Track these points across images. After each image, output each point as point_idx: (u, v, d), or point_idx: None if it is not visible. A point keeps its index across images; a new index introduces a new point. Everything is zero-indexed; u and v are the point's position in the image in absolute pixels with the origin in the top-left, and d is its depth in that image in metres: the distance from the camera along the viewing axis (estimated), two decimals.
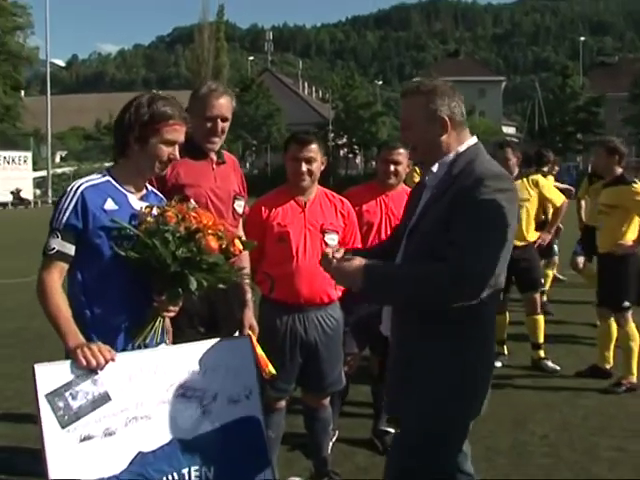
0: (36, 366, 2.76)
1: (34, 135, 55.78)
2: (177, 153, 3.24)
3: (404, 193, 4.94)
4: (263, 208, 4.41)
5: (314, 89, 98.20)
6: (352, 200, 4.79)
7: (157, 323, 3.16)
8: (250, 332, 4.05)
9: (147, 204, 3.21)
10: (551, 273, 10.90)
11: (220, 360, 3.16)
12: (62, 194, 3.13)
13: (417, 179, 7.73)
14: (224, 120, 4.11)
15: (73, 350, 2.86)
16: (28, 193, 46.15)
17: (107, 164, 3.37)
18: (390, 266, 3.00)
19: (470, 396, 2.94)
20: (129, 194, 3.22)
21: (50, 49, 51.09)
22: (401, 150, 5.07)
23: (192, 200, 3.48)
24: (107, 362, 2.85)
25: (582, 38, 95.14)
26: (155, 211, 3.13)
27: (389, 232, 4.86)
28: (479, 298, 2.70)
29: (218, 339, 3.28)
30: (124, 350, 3.06)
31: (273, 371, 3.75)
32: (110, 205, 3.10)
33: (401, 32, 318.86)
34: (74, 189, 3.09)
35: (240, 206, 4.26)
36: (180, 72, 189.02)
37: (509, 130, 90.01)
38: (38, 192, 47.96)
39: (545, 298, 10.62)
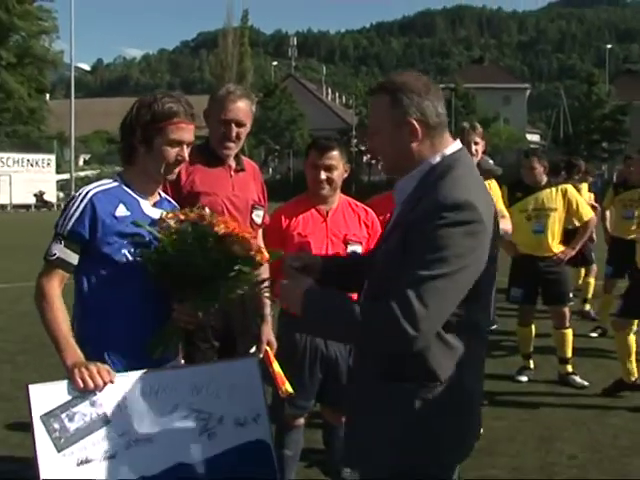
0: (30, 386, 2.59)
1: (58, 138, 56.14)
2: (185, 154, 3.03)
3: None
4: (283, 217, 4.22)
5: (337, 95, 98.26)
6: (376, 209, 4.58)
7: (176, 335, 2.97)
8: (268, 348, 3.86)
9: (168, 210, 3.05)
10: (592, 281, 10.54)
11: (227, 381, 2.95)
12: (70, 198, 2.97)
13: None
14: (240, 125, 3.90)
15: (70, 369, 2.69)
16: (51, 196, 46.51)
17: None
18: (333, 296, 2.49)
19: (435, 446, 2.45)
20: (141, 199, 3.04)
21: (75, 53, 51.34)
22: None
23: (207, 209, 3.29)
24: (106, 384, 2.67)
25: (609, 46, 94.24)
26: (181, 216, 2.93)
27: None
28: (424, 344, 2.28)
29: (224, 360, 3.11)
30: (138, 365, 2.85)
31: (290, 389, 3.57)
32: (121, 211, 2.93)
33: (425, 38, 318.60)
34: (82, 195, 2.92)
35: (259, 216, 4.06)
36: (204, 77, 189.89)
37: (533, 138, 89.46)
38: (61, 195, 48.25)
39: (588, 307, 10.34)
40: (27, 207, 44.44)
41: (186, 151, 3.03)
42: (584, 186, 10.58)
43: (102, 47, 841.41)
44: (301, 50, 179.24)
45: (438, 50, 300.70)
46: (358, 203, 4.44)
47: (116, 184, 3.01)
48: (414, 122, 2.44)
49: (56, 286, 2.86)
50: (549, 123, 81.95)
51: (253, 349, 3.90)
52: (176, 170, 3.08)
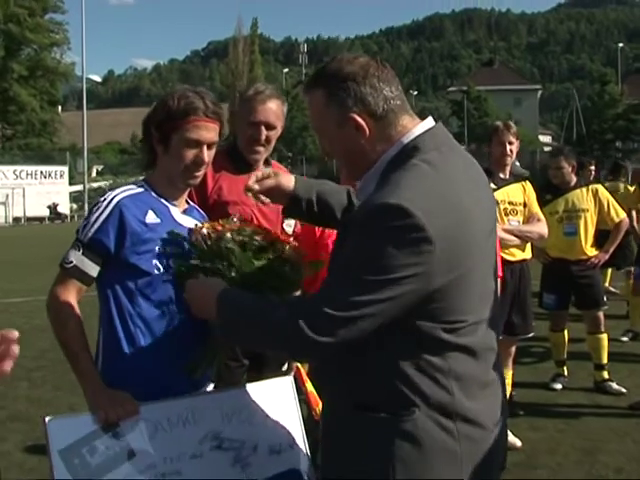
0: (48, 419, 2.35)
1: (70, 149, 56.23)
2: (205, 156, 2.70)
3: None
4: (317, 226, 3.95)
5: None
6: None
7: (218, 355, 2.66)
8: (299, 365, 3.60)
9: (202, 220, 2.79)
10: None
11: (259, 405, 2.69)
12: (94, 204, 2.66)
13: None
14: (269, 127, 3.65)
15: (90, 399, 2.44)
16: (65, 207, 46.51)
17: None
18: (249, 297, 2.19)
19: None
20: (171, 206, 2.76)
21: (86, 65, 51.43)
22: None
23: (236, 215, 3.03)
24: (129, 415, 2.41)
25: (620, 44, 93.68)
26: (218, 226, 2.60)
27: None
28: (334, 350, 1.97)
29: (256, 383, 2.83)
30: (170, 386, 2.57)
31: None
32: (151, 218, 2.64)
33: (434, 42, 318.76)
34: (109, 200, 2.62)
35: (290, 226, 3.79)
36: (215, 86, 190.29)
37: (545, 139, 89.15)
38: (74, 206, 48.28)
39: None
40: (41, 220, 44.39)
41: (206, 153, 2.71)
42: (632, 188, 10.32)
43: (113, 58, 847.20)
44: (311, 57, 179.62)
45: (447, 54, 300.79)
46: None
47: (142, 189, 2.73)
48: (356, 117, 2.07)
49: (72, 297, 2.59)
50: (561, 124, 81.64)
51: (285, 367, 3.65)
52: (198, 174, 2.75)
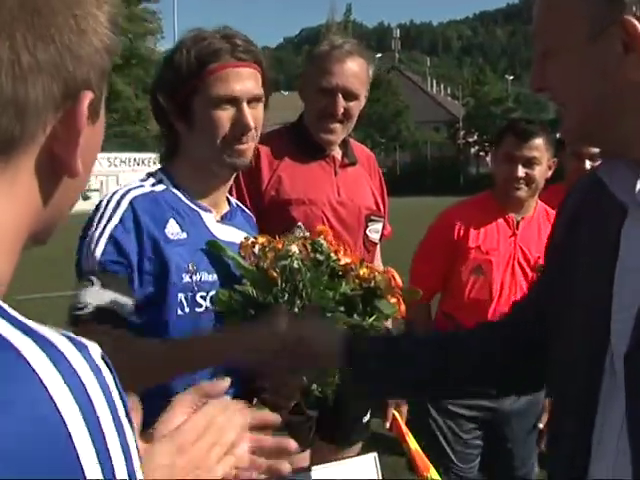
0: None
1: None
2: (246, 116, 1.77)
3: None
4: (458, 224, 3.05)
5: (442, 86, 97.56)
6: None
7: None
8: (396, 413, 2.68)
9: (254, 234, 1.89)
10: None
11: None
12: (95, 208, 1.75)
13: None
14: (349, 96, 2.59)
15: None
16: None
17: None
18: None
19: None
20: (204, 212, 1.85)
21: None
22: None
23: (301, 225, 2.21)
24: None
25: None
26: (279, 244, 1.75)
27: None
28: None
29: (330, 465, 2.03)
30: None
31: (436, 477, 2.42)
32: (174, 230, 1.75)
33: (531, 26, 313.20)
34: (120, 195, 1.75)
35: (377, 231, 2.76)
36: None
37: None
38: None
39: None
40: None
41: (249, 112, 1.78)
42: None
43: None
44: (404, 42, 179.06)
45: None
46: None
47: (162, 187, 1.84)
48: (637, 22, 1.06)
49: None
50: None
51: (367, 417, 2.70)
52: (243, 147, 1.80)
